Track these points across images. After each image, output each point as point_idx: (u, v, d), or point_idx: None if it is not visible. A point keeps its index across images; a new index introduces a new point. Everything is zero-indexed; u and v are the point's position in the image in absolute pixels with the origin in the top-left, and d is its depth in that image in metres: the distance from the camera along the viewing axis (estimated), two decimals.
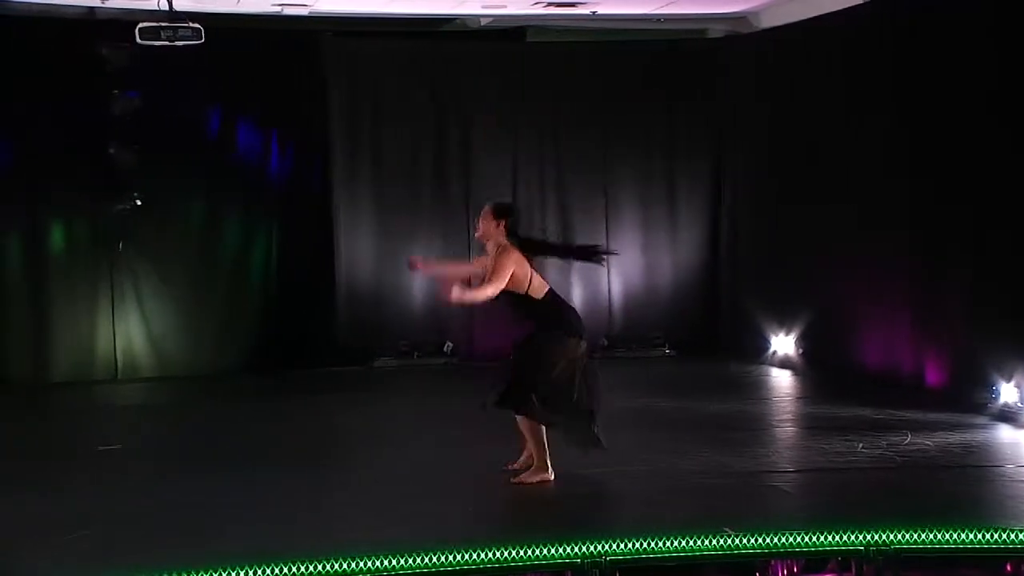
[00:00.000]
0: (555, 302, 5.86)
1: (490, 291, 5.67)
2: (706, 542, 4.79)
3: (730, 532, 4.82)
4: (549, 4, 9.73)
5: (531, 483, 5.75)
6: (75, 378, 9.73)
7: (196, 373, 9.96)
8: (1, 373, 9.65)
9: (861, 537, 4.79)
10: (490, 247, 5.83)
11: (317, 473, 6.17)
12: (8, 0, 9.21)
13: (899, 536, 4.79)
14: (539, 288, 5.79)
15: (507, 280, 5.66)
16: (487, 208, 5.90)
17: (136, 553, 4.73)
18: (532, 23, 10.60)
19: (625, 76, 10.78)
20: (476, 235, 5.95)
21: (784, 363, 9.82)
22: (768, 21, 10.28)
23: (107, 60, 9.50)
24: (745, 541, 4.79)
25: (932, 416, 7.27)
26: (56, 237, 9.77)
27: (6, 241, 9.68)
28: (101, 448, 6.99)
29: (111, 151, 9.59)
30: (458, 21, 10.63)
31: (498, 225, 5.80)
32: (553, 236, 10.70)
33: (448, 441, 6.96)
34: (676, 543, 4.77)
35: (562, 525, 5.06)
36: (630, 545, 4.74)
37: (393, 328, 10.43)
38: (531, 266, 5.79)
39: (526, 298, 5.74)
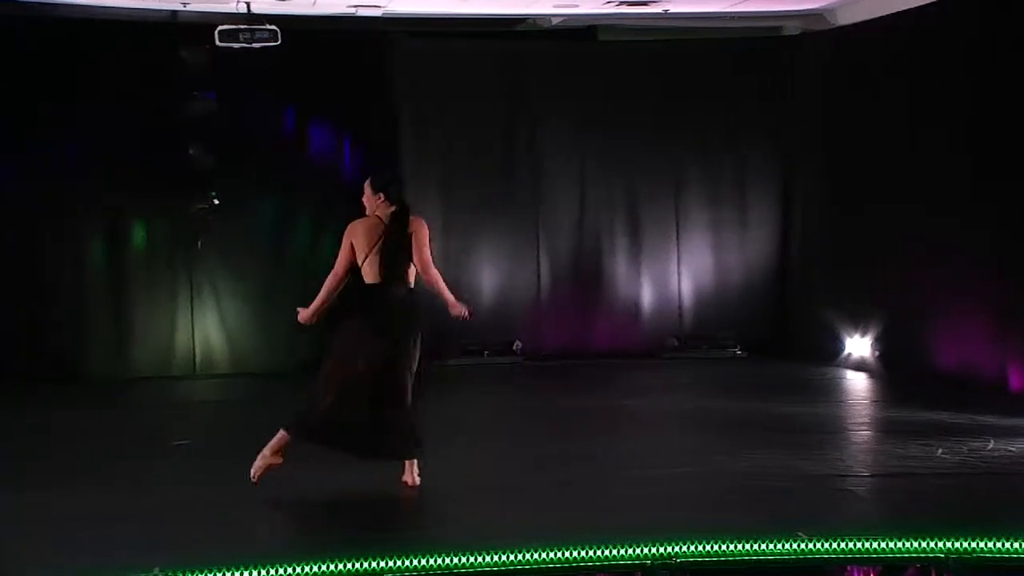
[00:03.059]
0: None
1: (433, 270, 5.67)
2: (780, 546, 4.72)
3: (804, 536, 4.74)
4: (621, 3, 9.68)
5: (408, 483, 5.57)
6: (154, 373, 9.96)
7: (270, 370, 10.11)
8: (83, 368, 9.92)
9: (941, 544, 4.68)
10: (375, 220, 5.59)
11: (373, 471, 5.92)
12: (93, 5, 9.47)
13: (981, 544, 4.67)
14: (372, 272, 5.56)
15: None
16: (366, 184, 5.69)
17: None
18: (603, 22, 10.57)
19: (697, 75, 10.69)
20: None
21: (860, 365, 9.64)
22: (845, 18, 10.11)
23: (186, 62, 9.71)
24: (819, 546, 4.71)
25: (1016, 421, 7.07)
26: (136, 237, 10.02)
27: (89, 241, 9.94)
28: (176, 443, 7.12)
29: (190, 152, 9.80)
30: (529, 21, 10.64)
31: (377, 198, 5.62)
32: (622, 237, 10.81)
33: (509, 439, 6.97)
34: (749, 546, 4.71)
35: (629, 525, 5.01)
36: (702, 547, 4.69)
37: (460, 326, 10.42)
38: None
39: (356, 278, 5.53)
